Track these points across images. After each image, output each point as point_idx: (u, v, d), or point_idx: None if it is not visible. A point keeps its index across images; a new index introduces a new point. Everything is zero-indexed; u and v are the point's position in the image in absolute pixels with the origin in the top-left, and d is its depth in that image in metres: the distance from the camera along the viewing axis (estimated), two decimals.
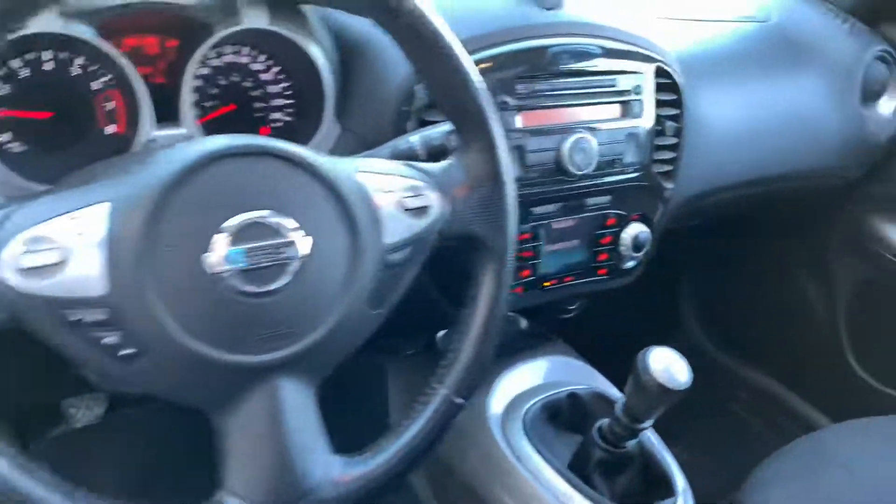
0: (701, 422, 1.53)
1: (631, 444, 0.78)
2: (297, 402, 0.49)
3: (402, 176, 0.55)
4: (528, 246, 0.84)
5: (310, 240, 0.48)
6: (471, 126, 0.57)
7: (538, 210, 0.83)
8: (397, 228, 0.53)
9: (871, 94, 1.18)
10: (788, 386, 1.52)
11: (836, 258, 1.37)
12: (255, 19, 0.69)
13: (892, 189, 1.25)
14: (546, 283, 0.89)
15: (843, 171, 1.21)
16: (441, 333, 1.01)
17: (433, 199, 0.55)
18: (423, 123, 0.72)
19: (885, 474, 0.91)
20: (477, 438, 0.86)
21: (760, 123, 1.07)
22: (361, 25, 0.75)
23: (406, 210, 0.53)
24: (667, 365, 0.70)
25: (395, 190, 0.53)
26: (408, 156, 0.65)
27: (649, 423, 0.74)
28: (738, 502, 0.87)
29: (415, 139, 0.65)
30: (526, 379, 0.92)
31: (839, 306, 1.39)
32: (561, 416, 0.88)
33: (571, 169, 0.81)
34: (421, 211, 0.54)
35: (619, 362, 0.80)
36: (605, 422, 0.78)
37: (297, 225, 0.48)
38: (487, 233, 0.58)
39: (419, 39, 0.53)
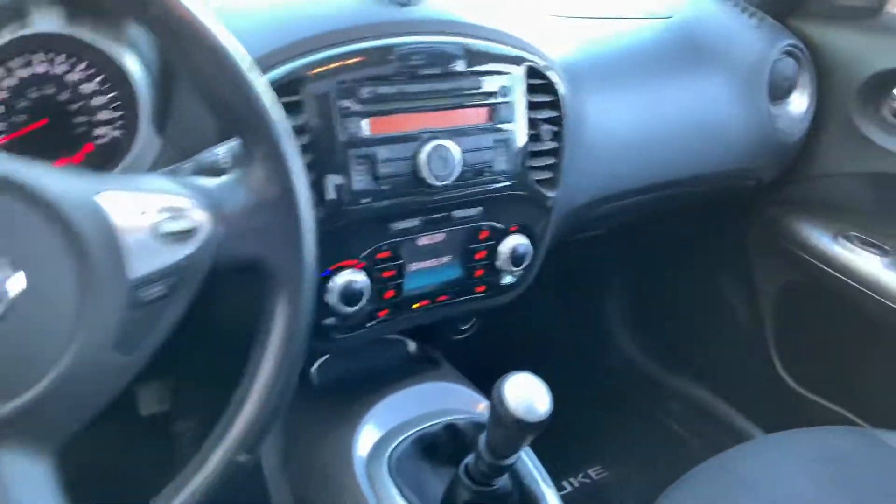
0: (632, 436, 1.48)
1: (501, 481, 0.71)
2: (22, 477, 0.41)
3: (162, 194, 0.47)
4: (388, 265, 0.77)
5: (22, 276, 0.41)
6: (250, 133, 0.49)
7: (397, 225, 0.76)
8: (148, 258, 0.45)
9: (780, 92, 1.12)
10: (719, 396, 1.46)
11: (756, 261, 1.32)
12: (46, 22, 0.62)
13: (807, 189, 1.20)
14: (416, 305, 0.81)
15: (755, 172, 1.15)
16: (317, 365, 0.93)
17: (202, 221, 0.47)
18: None
19: (790, 491, 0.85)
20: (342, 485, 0.78)
21: (661, 126, 1.01)
22: None
23: (162, 235, 0.45)
24: (525, 395, 0.63)
25: (148, 212, 0.46)
26: (212, 170, 0.57)
27: (514, 458, 0.67)
28: None
29: (221, 150, 0.58)
30: (402, 410, 0.85)
31: (763, 311, 1.34)
32: (438, 451, 0.81)
33: (431, 179, 0.74)
34: (184, 235, 0.46)
35: None
36: (471, 458, 0.71)
37: (5, 260, 0.40)
38: (276, 258, 0.50)
39: (173, 32, 0.46)
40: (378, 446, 0.80)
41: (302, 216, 0.50)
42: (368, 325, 0.79)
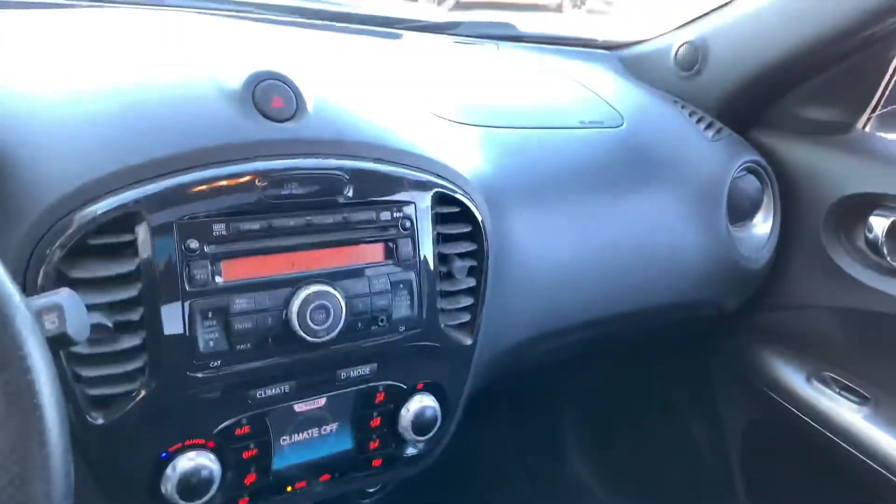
0: None
1: None
2: None
3: None
4: (249, 443, 0.60)
5: None
6: None
7: (261, 393, 0.60)
8: None
9: (741, 213, 1.00)
10: None
11: (721, 395, 1.17)
12: None
13: (776, 320, 1.06)
14: (291, 487, 0.64)
15: (716, 302, 1.01)
16: None
17: None
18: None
19: None
20: None
21: (605, 252, 0.87)
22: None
23: None
24: None
25: None
26: None
27: None
28: None
29: None
30: None
31: (731, 451, 1.18)
32: None
33: (306, 336, 0.59)
34: None
35: None
36: None
37: None
38: None
39: None
40: None
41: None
42: None
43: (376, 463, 0.69)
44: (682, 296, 0.95)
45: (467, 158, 0.74)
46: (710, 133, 1.01)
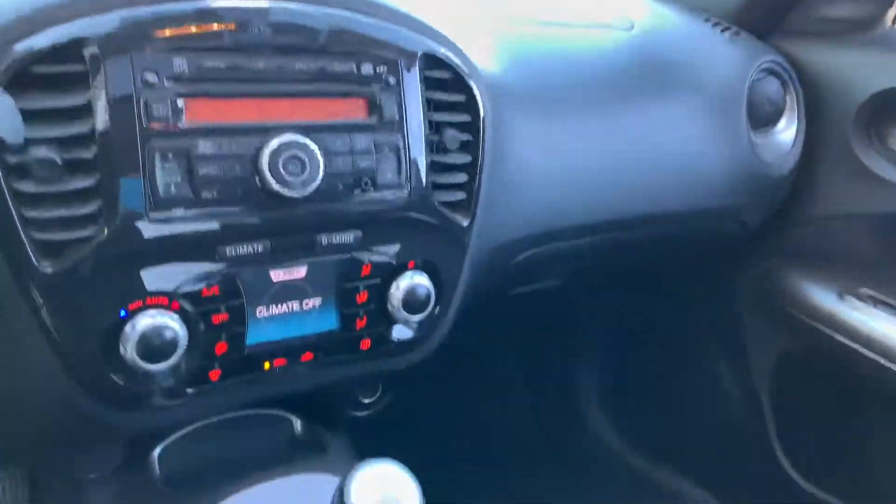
0: None
1: None
2: None
3: None
4: (219, 306, 0.55)
5: None
6: None
7: (231, 250, 0.55)
8: None
9: (762, 118, 0.93)
10: (711, 491, 1.21)
11: (748, 327, 1.10)
12: None
13: (804, 235, 0.99)
14: (268, 364, 0.59)
15: (738, 213, 0.95)
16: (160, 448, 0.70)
17: None
18: None
19: None
20: None
21: (616, 157, 0.82)
22: None
23: None
24: (384, 496, 0.41)
25: None
26: None
27: None
28: None
29: None
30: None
31: (759, 386, 1.11)
32: None
33: (280, 188, 0.54)
34: None
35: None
36: None
37: None
38: None
39: None
40: None
41: None
42: (192, 390, 0.56)
43: (364, 345, 0.63)
44: (699, 204, 0.89)
45: (465, 42, 0.69)
46: (726, 35, 0.95)
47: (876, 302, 0.92)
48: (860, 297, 0.93)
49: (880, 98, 0.89)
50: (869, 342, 0.90)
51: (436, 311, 0.65)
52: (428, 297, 0.63)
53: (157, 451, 0.70)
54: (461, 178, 0.65)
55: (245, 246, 0.55)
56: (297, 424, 0.76)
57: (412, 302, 0.62)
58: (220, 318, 0.55)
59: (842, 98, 0.92)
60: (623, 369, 1.29)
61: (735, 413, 1.14)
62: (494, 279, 0.76)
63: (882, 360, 0.89)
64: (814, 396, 1.05)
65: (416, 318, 0.63)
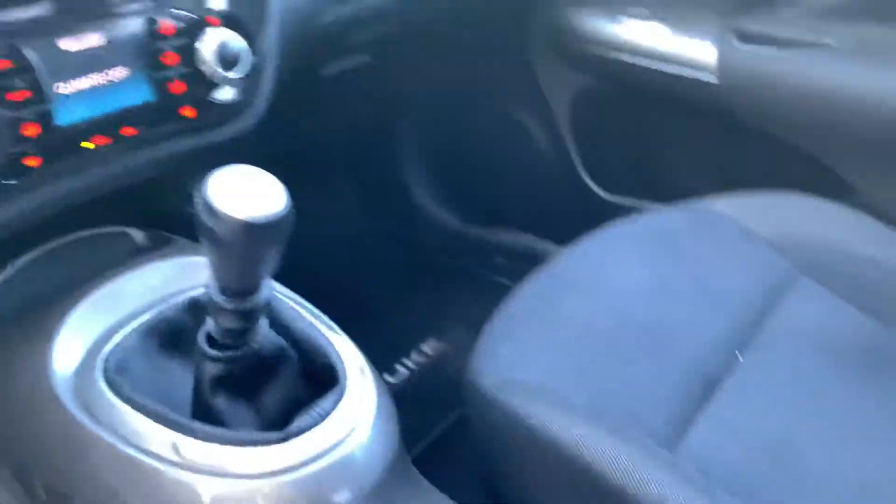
0: (461, 301, 1.32)
1: (260, 334, 0.50)
2: None
3: None
4: (15, 82, 0.51)
5: None
6: None
7: (9, 15, 0.50)
8: None
9: None
10: (542, 235, 1.33)
11: (544, 71, 1.18)
12: None
13: None
14: (86, 142, 0.56)
15: None
16: None
17: None
18: None
19: (619, 286, 0.75)
20: (44, 413, 0.54)
21: None
22: None
23: None
24: (242, 189, 0.42)
25: None
26: None
27: (261, 293, 0.46)
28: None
29: None
30: (121, 302, 0.60)
31: (562, 127, 1.21)
32: (183, 338, 0.58)
33: None
34: None
35: None
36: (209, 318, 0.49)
37: None
38: None
39: None
40: (91, 351, 0.55)
41: None
42: (15, 181, 0.53)
43: (188, 112, 0.61)
44: None
45: None
46: None
47: (649, 17, 1.03)
48: (635, 17, 1.04)
49: None
50: (648, 53, 1.02)
51: (254, 71, 0.64)
52: (239, 51, 0.62)
53: None
54: None
55: (24, 10, 0.50)
56: (139, 235, 0.73)
57: (226, 56, 0.61)
58: (16, 95, 0.51)
59: None
60: (443, 142, 1.35)
61: (546, 156, 1.24)
62: (305, 46, 0.75)
63: (664, 67, 1.01)
64: (610, 120, 1.18)
65: (234, 75, 0.62)
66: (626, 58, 1.04)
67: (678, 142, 1.11)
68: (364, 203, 1.41)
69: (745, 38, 0.96)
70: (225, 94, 0.63)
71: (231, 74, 0.62)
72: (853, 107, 0.88)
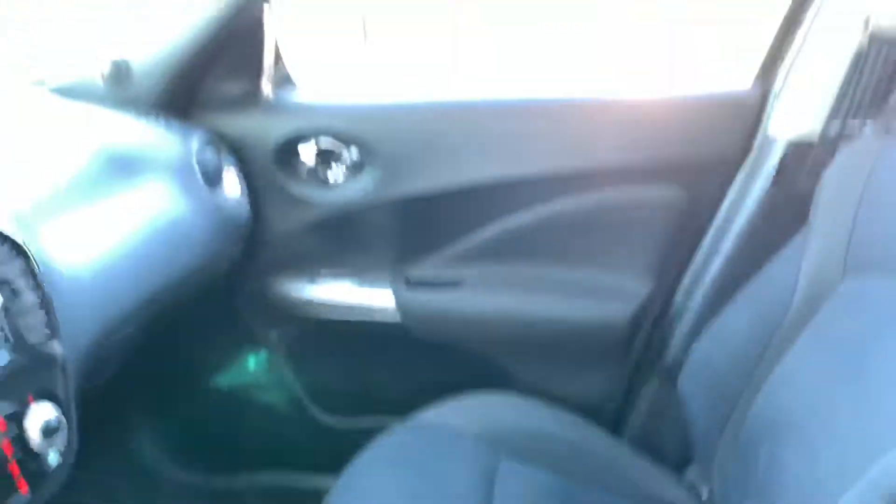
0: None
1: None
2: None
3: None
4: None
5: None
6: None
7: None
8: None
9: (213, 180, 1.20)
10: (285, 468, 1.48)
11: (259, 330, 1.40)
12: None
13: (275, 250, 1.34)
14: None
15: (222, 259, 1.21)
16: None
17: None
18: None
19: None
20: None
21: (128, 243, 0.97)
22: None
23: None
24: None
25: None
26: None
27: None
28: None
29: None
30: None
31: (285, 367, 1.43)
32: None
33: None
34: None
35: None
36: None
37: None
38: None
39: None
40: None
41: None
42: None
43: (22, 489, 0.69)
44: (187, 266, 1.11)
45: None
46: (162, 124, 1.17)
47: (331, 275, 1.34)
48: (324, 277, 1.34)
49: (282, 143, 1.26)
50: (335, 309, 1.32)
51: (70, 429, 0.74)
52: (60, 424, 0.72)
53: None
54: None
55: None
56: None
57: (49, 432, 0.70)
58: None
59: (260, 149, 1.26)
60: (171, 396, 1.45)
61: (280, 399, 1.45)
62: (94, 370, 0.85)
63: (358, 317, 1.31)
64: (326, 356, 1.43)
65: (61, 442, 0.72)
66: (323, 313, 1.35)
67: (386, 367, 1.41)
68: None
69: (410, 283, 1.32)
70: (54, 459, 0.72)
71: (59, 444, 0.71)
72: (497, 322, 1.28)
